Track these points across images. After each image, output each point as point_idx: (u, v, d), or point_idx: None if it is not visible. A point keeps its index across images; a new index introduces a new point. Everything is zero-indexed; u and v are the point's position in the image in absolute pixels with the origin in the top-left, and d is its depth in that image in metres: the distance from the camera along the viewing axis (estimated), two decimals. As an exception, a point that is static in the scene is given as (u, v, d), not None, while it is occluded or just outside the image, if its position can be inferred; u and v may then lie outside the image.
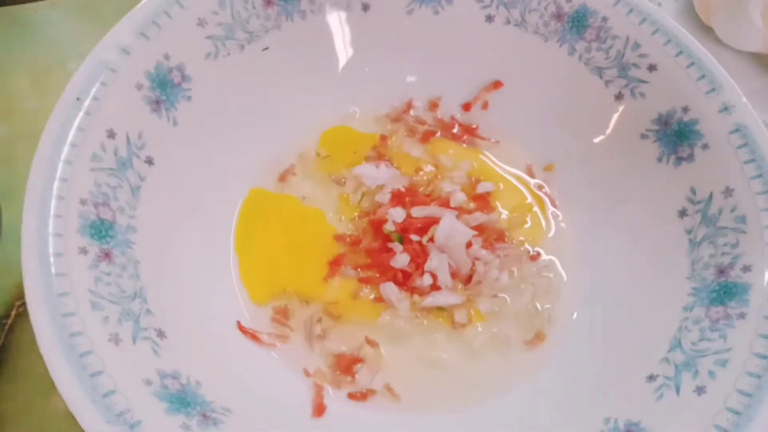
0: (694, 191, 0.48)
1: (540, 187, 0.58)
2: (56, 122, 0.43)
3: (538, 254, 0.55)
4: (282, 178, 0.57)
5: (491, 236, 0.54)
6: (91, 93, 0.44)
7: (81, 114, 0.44)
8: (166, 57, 0.49)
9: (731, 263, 0.44)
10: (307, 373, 0.48)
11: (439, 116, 0.61)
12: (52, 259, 0.39)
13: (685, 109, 0.49)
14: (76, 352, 0.36)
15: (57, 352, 0.35)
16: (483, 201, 0.56)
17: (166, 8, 0.49)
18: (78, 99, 0.44)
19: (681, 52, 0.50)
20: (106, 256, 0.42)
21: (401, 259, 0.51)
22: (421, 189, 0.56)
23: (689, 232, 0.47)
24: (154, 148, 0.48)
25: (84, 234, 0.41)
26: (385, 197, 0.54)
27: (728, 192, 0.46)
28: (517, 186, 0.59)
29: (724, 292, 0.43)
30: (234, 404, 0.41)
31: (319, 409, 0.46)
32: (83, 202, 0.42)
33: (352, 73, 0.58)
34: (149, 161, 0.48)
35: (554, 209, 0.57)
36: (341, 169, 0.57)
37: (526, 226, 0.56)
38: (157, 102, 0.49)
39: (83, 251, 0.41)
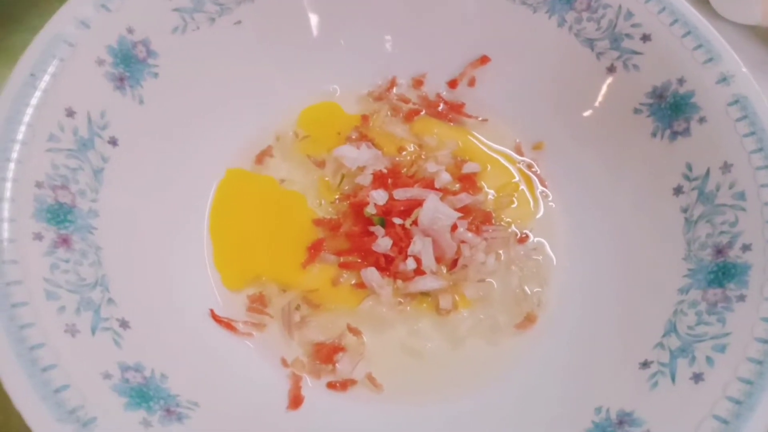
0: (690, 167, 0.46)
1: (529, 167, 0.56)
2: (7, 100, 0.40)
3: (527, 236, 0.52)
4: (259, 159, 0.54)
5: (477, 218, 0.51)
6: (48, 69, 0.42)
7: (35, 91, 0.41)
8: (130, 31, 0.46)
9: (730, 242, 0.41)
10: (284, 363, 0.46)
11: (424, 93, 0.58)
12: (4, 245, 0.36)
13: (681, 81, 0.47)
14: (26, 344, 0.33)
15: (3, 344, 0.33)
16: (469, 181, 0.53)
17: (129, -22, 0.46)
18: (32, 75, 0.41)
19: (676, 21, 0.48)
20: (64, 242, 0.39)
21: (383, 243, 0.48)
22: (404, 170, 0.53)
23: (685, 210, 0.45)
24: (119, 128, 0.45)
25: (40, 219, 0.39)
26: (366, 179, 0.52)
27: (726, 167, 0.43)
28: (506, 165, 0.56)
29: (723, 273, 0.41)
30: (202, 398, 0.38)
31: (296, 401, 0.43)
32: (39, 185, 0.39)
33: (330, 48, 0.55)
34: (113, 142, 0.45)
35: (544, 188, 0.55)
36: (321, 151, 0.54)
37: (513, 206, 0.53)
38: (121, 79, 0.46)
39: (38, 237, 0.38)
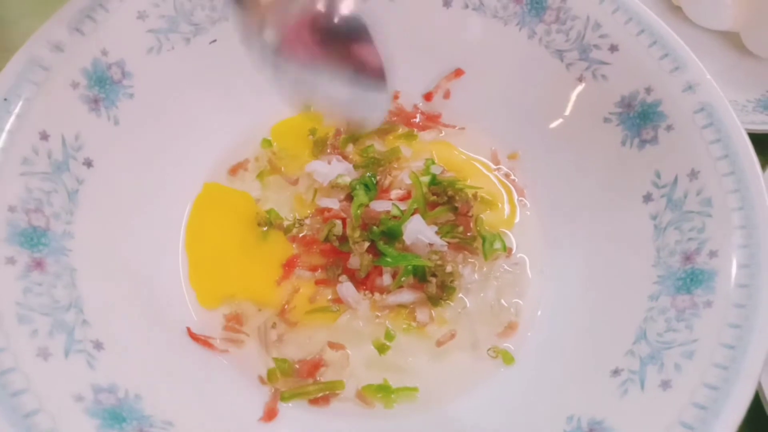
0: (659, 175, 0.46)
1: (507, 176, 0.56)
2: (-20, 125, 0.40)
3: (511, 251, 0.52)
4: (233, 171, 0.54)
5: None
6: (21, 93, 0.42)
7: (9, 116, 0.41)
8: (104, 53, 0.47)
9: (697, 249, 0.42)
10: (262, 381, 0.46)
11: (400, 105, 0.59)
12: (-26, 272, 0.37)
13: (648, 90, 0.47)
14: (-4, 370, 0.34)
15: (-29, 371, 0.33)
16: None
17: (103, 1, 0.47)
18: (5, 100, 0.42)
19: (643, 31, 0.48)
20: (38, 265, 0.40)
21: (355, 261, 0.49)
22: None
23: (654, 217, 0.45)
24: (94, 150, 0.46)
25: (12, 242, 0.39)
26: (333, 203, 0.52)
27: (694, 174, 0.44)
28: (485, 173, 0.56)
29: (690, 280, 0.41)
30: (177, 417, 0.39)
31: (270, 414, 0.43)
32: (12, 209, 0.40)
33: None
34: (88, 163, 0.45)
35: (522, 198, 0.55)
36: (295, 165, 0.54)
37: (488, 212, 0.53)
38: (96, 101, 0.46)
39: (11, 261, 0.38)
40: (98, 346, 0.39)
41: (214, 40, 0.53)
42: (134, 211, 0.48)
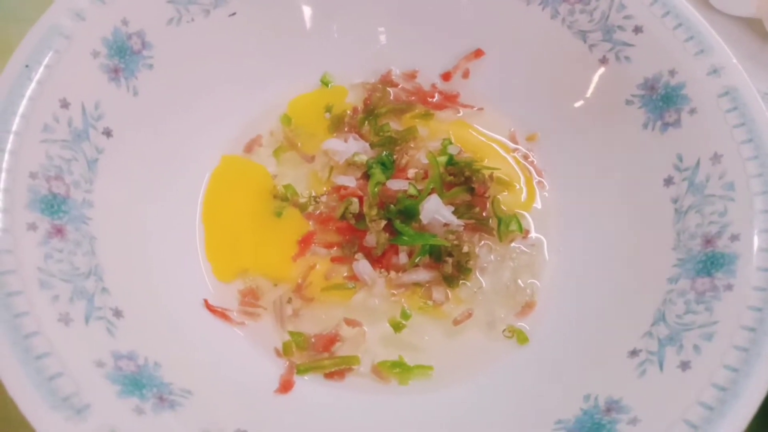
0: (680, 158, 0.46)
1: (525, 157, 0.56)
2: (2, 92, 0.40)
3: (528, 232, 0.52)
4: (248, 148, 0.54)
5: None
6: (42, 61, 0.42)
7: (30, 82, 0.41)
8: (125, 23, 0.46)
9: (719, 232, 0.42)
10: (278, 354, 0.46)
11: (419, 85, 0.58)
12: (-2, 235, 0.37)
13: (672, 73, 0.47)
14: (20, 333, 0.34)
15: (-2, 332, 0.33)
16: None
17: (123, -30, 0.46)
18: (27, 66, 0.42)
19: (668, 13, 0.48)
20: (58, 232, 0.40)
21: (371, 239, 0.49)
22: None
23: (675, 201, 0.45)
24: (113, 119, 0.46)
25: (33, 209, 0.39)
26: (350, 182, 0.52)
27: (716, 158, 0.43)
28: (502, 155, 0.56)
29: (711, 263, 0.41)
30: (195, 386, 0.39)
31: (286, 386, 0.44)
32: (33, 175, 0.40)
33: (324, 39, 0.56)
34: (107, 133, 0.45)
35: (540, 179, 0.55)
36: (311, 141, 0.54)
37: (504, 194, 0.53)
38: (116, 70, 0.46)
39: (32, 227, 0.38)
40: (118, 313, 0.40)
41: (234, 13, 0.52)
42: (152, 182, 0.48)
